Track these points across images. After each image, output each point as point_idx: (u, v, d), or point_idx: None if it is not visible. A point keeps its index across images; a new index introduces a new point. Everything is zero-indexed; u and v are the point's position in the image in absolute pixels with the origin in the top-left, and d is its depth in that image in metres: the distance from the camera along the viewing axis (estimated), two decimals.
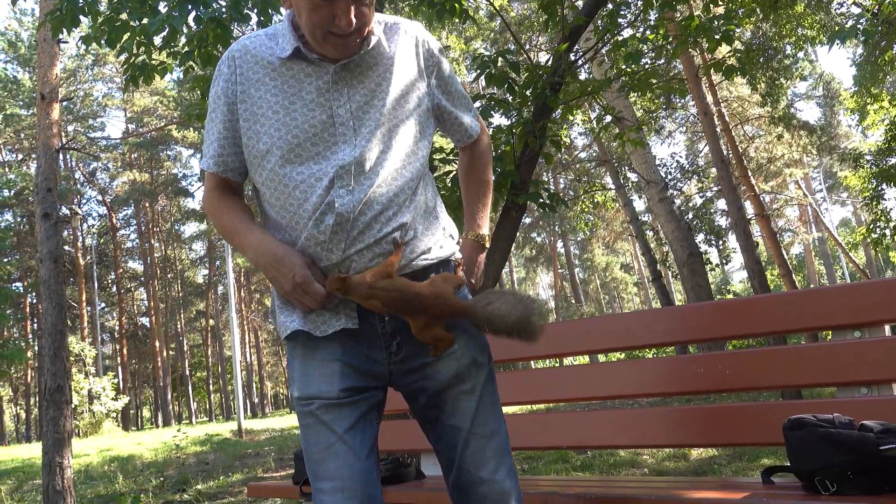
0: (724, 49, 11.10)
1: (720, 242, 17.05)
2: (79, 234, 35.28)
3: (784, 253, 15.62)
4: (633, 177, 15.43)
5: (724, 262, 18.07)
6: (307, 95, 1.46)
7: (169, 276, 41.68)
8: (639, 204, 22.19)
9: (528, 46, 17.57)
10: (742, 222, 12.36)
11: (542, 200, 5.22)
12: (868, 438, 1.53)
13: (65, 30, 4.76)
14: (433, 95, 1.63)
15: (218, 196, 1.57)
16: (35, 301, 35.55)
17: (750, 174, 15.60)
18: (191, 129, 32.37)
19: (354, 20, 1.39)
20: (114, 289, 39.28)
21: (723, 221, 17.29)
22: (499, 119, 6.42)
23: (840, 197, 44.18)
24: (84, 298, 33.44)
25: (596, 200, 16.16)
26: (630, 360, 2.55)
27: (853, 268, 30.37)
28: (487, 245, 1.75)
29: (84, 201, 38.10)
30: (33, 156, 32.77)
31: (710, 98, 14.06)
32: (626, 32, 6.58)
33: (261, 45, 1.52)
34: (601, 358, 19.72)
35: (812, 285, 39.16)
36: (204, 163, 1.56)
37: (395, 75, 1.53)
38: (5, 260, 29.87)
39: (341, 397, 1.45)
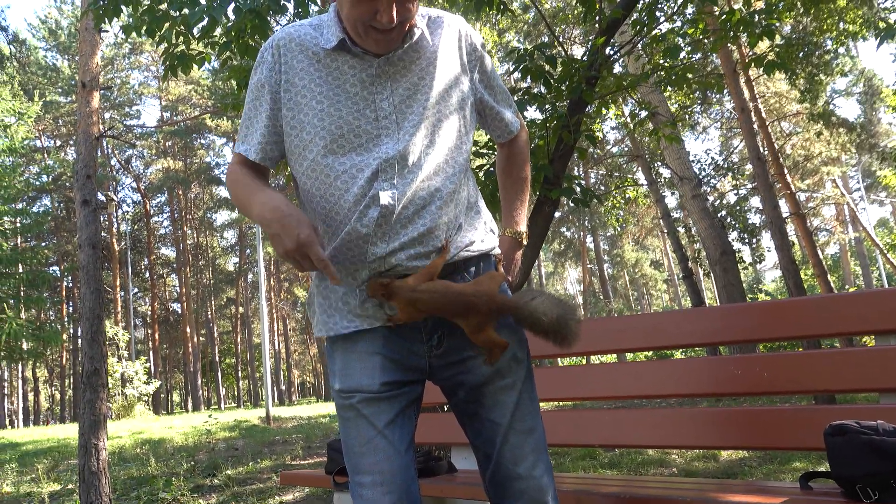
0: (763, 44, 10.92)
1: (754, 241, 16.78)
2: (114, 220, 35.93)
3: (819, 253, 15.34)
4: (665, 173, 15.25)
5: (757, 260, 17.79)
6: (351, 88, 1.47)
7: (201, 263, 42.28)
8: (671, 200, 21.91)
9: (561, 39, 17.43)
10: (777, 221, 12.15)
11: (575, 195, 5.19)
12: None
13: (106, 19, 4.83)
14: (476, 90, 1.63)
15: (244, 169, 1.54)
16: (70, 285, 36.34)
17: (786, 172, 15.33)
18: (224, 118, 32.70)
19: (396, 16, 1.38)
20: (147, 275, 39.98)
21: (757, 219, 17.03)
22: (533, 113, 6.39)
23: (878, 196, 43.20)
24: (118, 283, 34.09)
25: (627, 196, 16.00)
26: (661, 359, 2.53)
27: (891, 269, 29.72)
28: (525, 242, 1.76)
29: (119, 188, 38.80)
30: (71, 142, 33.42)
31: (747, 94, 13.82)
32: (664, 26, 6.50)
33: (305, 35, 1.52)
34: (629, 357, 19.58)
35: (848, 286, 38.42)
36: (244, 149, 1.53)
37: (439, 69, 1.52)
38: (43, 244, 30.54)
39: (382, 391, 1.46)
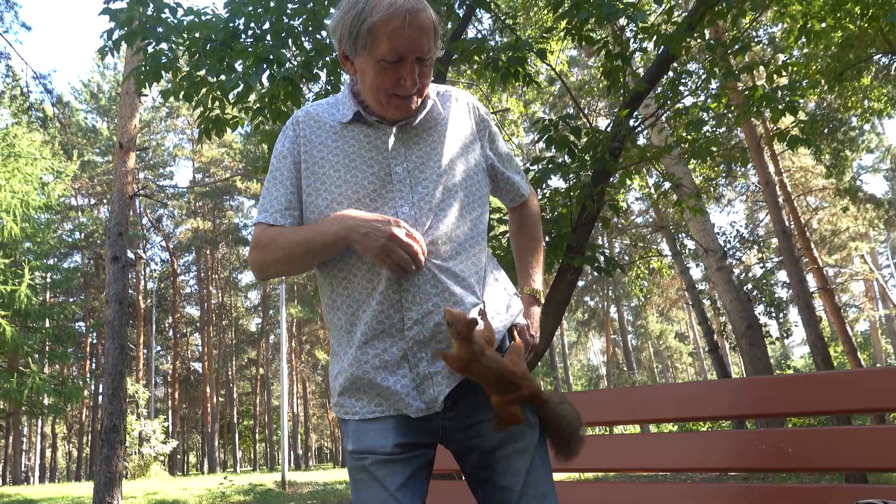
0: (787, 119, 11.00)
1: (781, 315, 16.53)
2: (142, 277, 36.41)
3: (848, 329, 15.04)
4: (690, 244, 15.21)
5: (785, 335, 17.47)
6: (366, 154, 1.52)
7: (224, 322, 42.47)
8: (696, 272, 21.78)
9: (586, 111, 17.73)
10: (804, 295, 11.99)
11: (598, 264, 5.19)
12: None
13: (147, 84, 5.04)
14: (486, 156, 1.68)
15: (272, 229, 1.55)
16: (95, 341, 36.63)
17: (813, 246, 15.21)
18: (255, 180, 33.44)
19: (417, 80, 1.46)
20: (170, 333, 40.19)
21: (783, 293, 16.80)
22: (557, 182, 6.46)
23: None
24: (141, 341, 34.28)
25: (651, 266, 15.93)
26: (685, 431, 2.48)
27: None
28: (542, 300, 1.77)
29: (149, 246, 39.48)
30: (105, 201, 34.26)
31: (772, 167, 13.87)
32: (688, 100, 6.61)
33: (323, 112, 1.61)
34: (653, 429, 19.12)
35: (878, 364, 37.39)
36: (266, 216, 1.55)
37: (450, 137, 1.59)
38: (71, 300, 30.97)
39: (395, 453, 1.45)
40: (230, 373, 43.08)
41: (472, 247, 1.55)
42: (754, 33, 12.72)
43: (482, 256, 1.59)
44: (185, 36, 4.92)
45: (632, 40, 5.67)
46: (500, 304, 1.59)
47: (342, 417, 1.53)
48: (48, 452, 42.23)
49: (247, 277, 44.21)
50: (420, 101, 1.53)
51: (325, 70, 5.17)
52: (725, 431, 2.36)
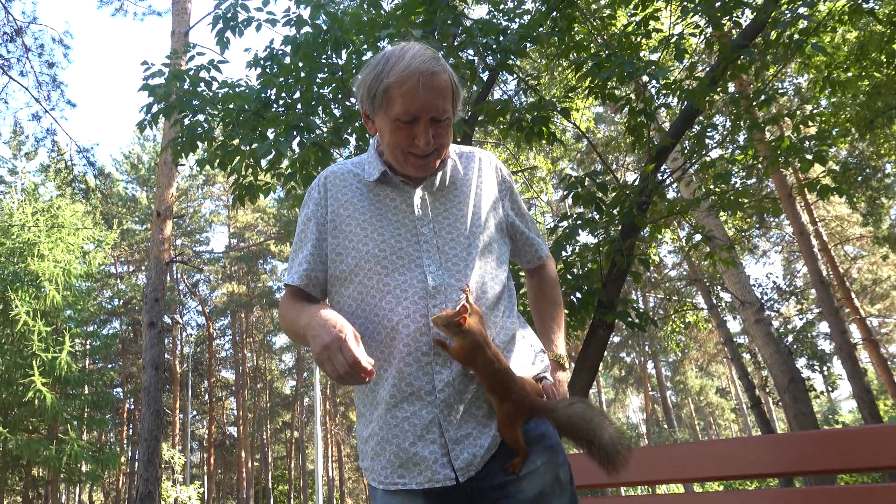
0: (818, 168, 10.93)
1: (824, 368, 16.06)
2: (178, 342, 36.80)
3: None
4: (726, 297, 14.96)
5: (830, 389, 16.93)
6: (393, 216, 1.55)
7: (258, 385, 42.54)
8: (733, 325, 21.35)
9: (614, 166, 17.81)
10: (847, 347, 11.66)
11: (630, 319, 5.14)
12: None
13: (183, 154, 5.22)
14: (508, 215, 1.71)
15: (294, 301, 1.59)
16: (132, 407, 36.88)
17: (854, 296, 14.85)
18: (287, 244, 33.95)
19: (432, 140, 1.50)
20: (206, 397, 40.32)
21: (826, 346, 16.36)
22: (586, 237, 6.47)
23: None
24: (178, 406, 34.42)
25: (687, 320, 15.67)
26: (729, 490, 2.41)
27: None
28: (566, 366, 1.76)
29: (185, 311, 40.01)
30: (143, 267, 35.02)
31: (805, 217, 13.70)
32: (715, 152, 6.62)
33: (348, 172, 1.65)
34: (696, 487, 18.47)
35: None
36: (290, 278, 1.61)
37: (473, 197, 1.62)
38: (109, 366, 31.35)
39: None
40: (265, 437, 42.88)
41: (500, 305, 1.56)
42: (779, 85, 12.76)
43: (511, 314, 1.60)
44: (220, 107, 5.11)
45: (655, 97, 5.74)
46: (525, 359, 1.59)
47: (371, 484, 1.52)
48: None
49: (281, 340, 44.42)
50: (439, 161, 1.57)
51: (353, 135, 5.31)
52: (770, 490, 2.28)
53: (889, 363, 16.38)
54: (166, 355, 35.04)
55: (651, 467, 2.52)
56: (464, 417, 1.45)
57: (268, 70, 5.28)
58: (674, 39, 5.22)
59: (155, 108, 4.98)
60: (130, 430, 37.33)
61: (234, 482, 43.22)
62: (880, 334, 22.93)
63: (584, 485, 2.49)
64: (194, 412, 39.66)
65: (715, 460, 2.37)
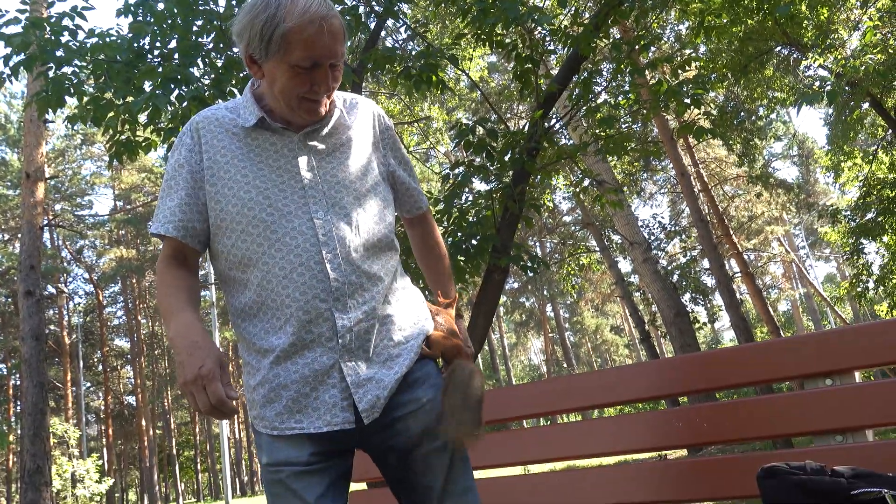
0: (696, 111, 11.45)
1: (707, 301, 17.13)
2: (65, 312, 34.96)
3: (771, 310, 15.69)
4: (616, 238, 15.61)
5: (712, 320, 18.10)
6: (274, 163, 1.51)
7: (156, 352, 41.18)
8: (624, 265, 22.35)
9: (508, 115, 18.00)
10: (725, 280, 12.47)
11: (523, 263, 5.28)
12: (839, 484, 1.54)
13: (50, 110, 4.87)
14: (389, 164, 1.70)
15: (171, 266, 1.53)
16: (18, 383, 34.91)
17: (732, 233, 15.82)
18: None
19: (330, 85, 1.47)
20: (100, 367, 38.70)
21: (709, 281, 17.42)
22: (479, 185, 6.56)
23: (823, 253, 44.69)
24: (69, 378, 32.89)
25: (581, 262, 16.28)
26: (611, 417, 2.55)
27: (840, 322, 30.47)
28: (462, 315, 1.82)
29: (70, 280, 37.95)
30: (19, 235, 32.77)
31: (687, 159, 14.38)
32: (602, 98, 6.80)
33: (223, 116, 1.57)
34: (595, 415, 19.52)
35: None
36: (162, 228, 1.52)
37: (356, 144, 1.60)
38: None
39: (311, 462, 1.43)
40: (166, 403, 41.75)
41: (387, 251, 1.57)
42: (660, 31, 13.19)
43: (395, 260, 1.61)
44: (89, 58, 4.77)
45: (543, 43, 5.80)
46: (423, 308, 1.65)
47: (259, 430, 1.50)
48: None
49: None
50: (329, 103, 1.53)
51: (238, 87, 5.10)
52: (640, 413, 2.44)
53: (764, 294, 17.62)
54: (53, 326, 33.25)
55: (550, 399, 2.62)
56: (366, 361, 1.46)
57: (140, 18, 4.97)
58: None
59: (14, 60, 4.60)
60: (18, 407, 35.41)
61: (135, 452, 42.03)
62: (756, 267, 24.59)
63: (488, 420, 2.58)
64: (88, 384, 38.03)
65: (607, 388, 2.50)
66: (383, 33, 9.03)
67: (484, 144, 5.20)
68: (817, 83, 12.27)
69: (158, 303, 1.51)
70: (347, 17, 4.76)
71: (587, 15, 9.26)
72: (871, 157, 13.98)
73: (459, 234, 5.19)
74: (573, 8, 6.20)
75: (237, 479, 43.23)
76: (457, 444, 1.50)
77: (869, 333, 1.98)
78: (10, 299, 33.55)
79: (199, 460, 45.30)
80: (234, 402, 1.34)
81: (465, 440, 1.49)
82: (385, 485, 1.63)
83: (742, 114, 14.85)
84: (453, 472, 1.51)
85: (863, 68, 8.97)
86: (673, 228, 16.94)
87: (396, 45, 9.07)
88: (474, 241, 5.24)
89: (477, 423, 1.51)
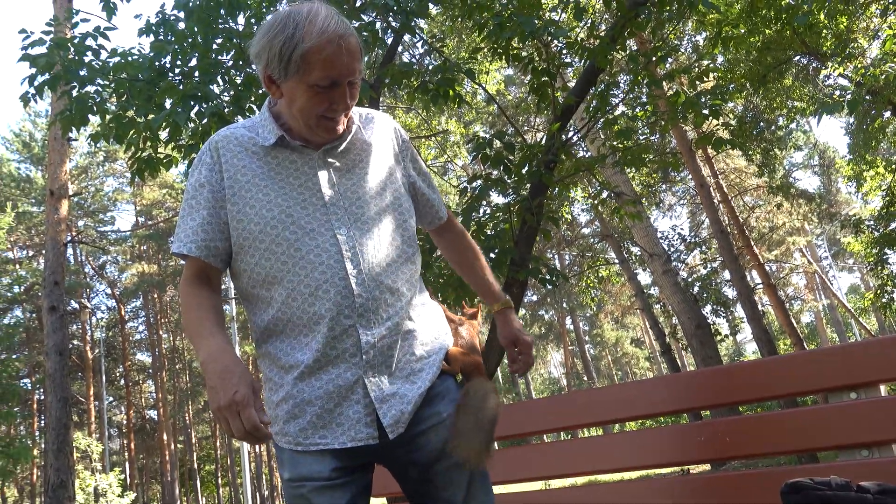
0: (715, 122, 11.38)
1: (728, 313, 16.95)
2: (87, 327, 35.34)
3: (794, 321, 15.50)
4: (636, 250, 15.52)
5: (734, 332, 17.90)
6: (294, 180, 1.51)
7: (177, 366, 41.44)
8: (644, 277, 22.22)
9: (526, 128, 18.02)
10: (746, 292, 12.35)
11: (541, 275, 5.27)
12: (865, 500, 1.51)
13: (74, 128, 4.95)
14: (410, 175, 1.70)
15: (194, 286, 1.52)
16: (42, 397, 35.28)
17: (753, 244, 15.67)
18: None
19: (349, 103, 1.48)
20: (122, 382, 39.01)
21: (730, 292, 17.23)
22: (496, 198, 6.56)
23: (847, 263, 44.08)
24: (92, 393, 33.19)
25: (600, 275, 16.19)
26: (632, 431, 2.53)
27: (865, 334, 29.99)
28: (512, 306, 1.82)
29: (93, 295, 38.38)
30: (43, 251, 33.24)
31: (706, 170, 14.28)
32: (619, 110, 6.78)
33: (242, 135, 1.57)
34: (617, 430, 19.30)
35: None
36: (184, 247, 1.51)
37: (374, 158, 1.60)
38: (14, 356, 29.82)
39: (333, 477, 1.43)
40: (187, 418, 41.95)
41: (409, 265, 1.57)
42: (678, 42, 13.15)
43: (417, 275, 1.61)
44: (111, 77, 4.85)
45: (561, 56, 5.81)
46: (443, 324, 1.65)
47: (282, 446, 1.50)
48: None
49: None
50: (346, 120, 1.54)
51: (257, 104, 5.16)
52: (661, 427, 2.42)
53: (787, 305, 17.42)
54: (76, 341, 33.59)
55: (571, 413, 2.60)
56: (389, 376, 1.46)
57: (161, 37, 5.05)
58: None
59: (39, 80, 4.68)
60: (42, 422, 35.77)
61: (157, 466, 42.22)
62: (778, 278, 24.32)
63: (507, 435, 2.57)
64: (110, 398, 38.31)
65: (628, 402, 2.47)
66: (400, 48, 9.09)
67: (501, 157, 5.20)
68: (837, 92, 12.15)
69: (185, 324, 1.50)
70: (365, 34, 4.81)
71: (603, 27, 9.27)
72: (893, 167, 13.80)
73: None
74: (589, 20, 6.20)
75: (258, 494, 43.23)
76: (466, 464, 1.49)
77: (894, 345, 1.95)
78: (34, 315, 33.98)
79: (219, 474, 45.40)
80: (267, 431, 1.33)
81: (474, 461, 1.48)
82: (405, 500, 1.63)
83: (761, 124, 14.74)
84: (473, 487, 1.51)
85: (883, 77, 8.88)
86: (693, 240, 16.81)
87: (414, 59, 9.13)
88: (492, 255, 5.24)
89: (488, 444, 1.51)
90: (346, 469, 1.46)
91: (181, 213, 1.57)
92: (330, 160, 1.54)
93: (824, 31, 10.45)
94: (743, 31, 9.06)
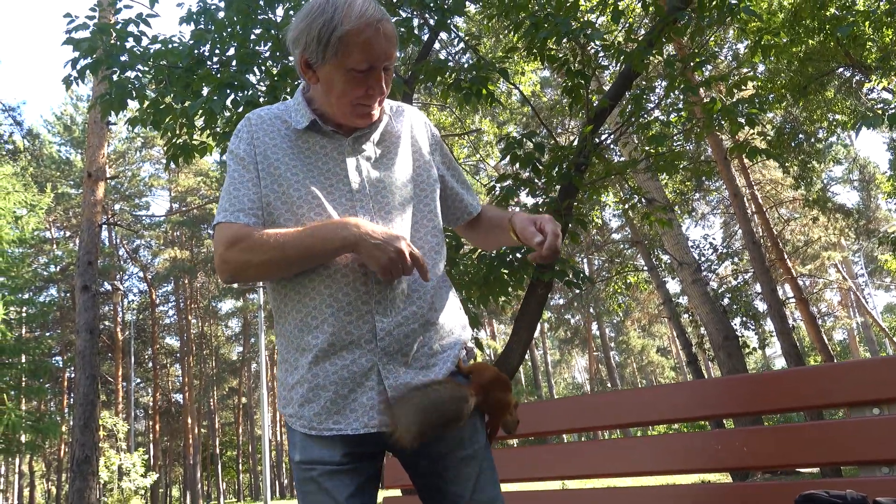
0: (751, 131, 11.21)
1: (758, 326, 16.69)
2: (119, 309, 36.01)
3: (825, 338, 15.22)
4: (665, 258, 15.36)
5: (763, 346, 17.62)
6: (323, 165, 1.52)
7: (204, 352, 42.02)
8: (673, 285, 21.97)
9: (560, 130, 17.93)
10: (776, 305, 12.14)
11: (567, 278, 5.25)
12: None
13: (113, 112, 5.05)
14: (439, 169, 1.70)
15: (252, 231, 1.47)
16: (72, 375, 36.03)
17: (786, 257, 15.41)
18: None
19: (384, 88, 1.49)
20: (150, 364, 39.68)
21: (761, 305, 16.96)
22: (525, 198, 6.54)
23: (884, 281, 43.12)
24: (120, 373, 33.81)
25: (629, 281, 16.05)
26: (651, 436, 2.51)
27: None
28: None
29: (126, 277, 39.08)
30: (79, 232, 33.90)
31: (741, 180, 14.08)
32: (654, 115, 6.71)
33: (275, 117, 1.59)
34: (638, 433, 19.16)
35: None
36: (230, 216, 1.48)
37: (403, 150, 1.61)
38: (47, 334, 30.50)
39: (343, 462, 1.44)
40: (212, 403, 42.54)
41: (433, 255, 1.57)
42: (718, 50, 12.98)
43: (441, 267, 1.62)
44: (151, 63, 4.94)
45: (597, 58, 5.78)
46: (460, 321, 1.63)
47: (294, 429, 1.51)
48: (26, 491, 41.30)
49: (227, 306, 43.85)
50: (380, 108, 1.55)
51: (291, 94, 5.21)
52: (679, 434, 2.40)
53: (819, 321, 17.11)
54: (107, 322, 34.25)
55: (589, 414, 2.60)
56: (404, 366, 1.47)
57: (201, 25, 5.13)
58: (610, 0, 5.25)
59: (81, 64, 4.79)
60: (71, 399, 36.53)
61: (180, 449, 42.86)
62: (811, 293, 23.90)
63: (528, 433, 2.57)
64: (138, 380, 38.99)
65: (648, 406, 2.46)
66: (437, 45, 9.11)
67: (531, 158, 5.19)
68: (880, 106, 11.89)
69: (279, 248, 1.43)
70: (401, 30, 4.83)
71: (642, 31, 9.18)
72: None
73: (504, 248, 5.19)
74: (627, 24, 6.16)
75: (276, 482, 43.68)
76: (394, 436, 1.39)
77: None
78: (68, 294, 34.72)
79: (240, 461, 45.96)
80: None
81: (401, 436, 1.38)
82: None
83: (800, 136, 14.49)
84: (482, 481, 1.51)
85: None
86: (724, 250, 16.58)
87: (449, 56, 9.14)
88: (518, 255, 5.23)
89: (420, 424, 1.39)
90: (357, 455, 1.46)
91: (226, 184, 1.56)
92: (360, 147, 1.56)
93: (868, 43, 10.24)
94: (785, 40, 8.91)
